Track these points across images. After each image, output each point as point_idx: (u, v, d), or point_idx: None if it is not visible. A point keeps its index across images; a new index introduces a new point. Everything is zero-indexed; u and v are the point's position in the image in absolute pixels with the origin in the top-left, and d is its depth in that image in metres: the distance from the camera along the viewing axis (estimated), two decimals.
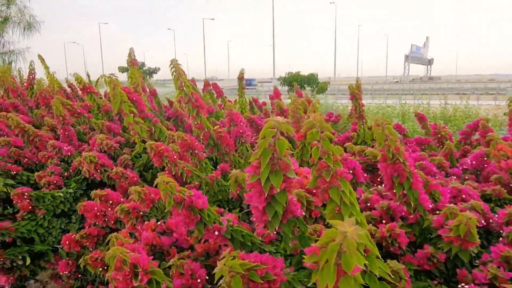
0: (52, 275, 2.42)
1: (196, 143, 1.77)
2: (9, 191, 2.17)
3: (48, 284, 2.64)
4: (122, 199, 1.67)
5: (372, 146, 3.02)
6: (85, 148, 2.53)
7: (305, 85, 14.81)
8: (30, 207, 2.04)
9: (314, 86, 15.58)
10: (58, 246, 2.07)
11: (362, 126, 3.07)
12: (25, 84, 4.76)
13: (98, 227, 1.89)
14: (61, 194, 2.10)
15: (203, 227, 0.97)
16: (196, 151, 1.76)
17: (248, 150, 2.03)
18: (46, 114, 3.59)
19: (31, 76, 4.64)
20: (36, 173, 2.19)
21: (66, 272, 2.01)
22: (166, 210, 1.02)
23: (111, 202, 1.63)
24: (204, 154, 1.83)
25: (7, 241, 1.93)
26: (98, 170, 1.94)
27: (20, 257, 1.99)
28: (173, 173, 1.70)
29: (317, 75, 15.33)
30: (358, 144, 2.95)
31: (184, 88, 1.85)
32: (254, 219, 0.94)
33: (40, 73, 5.27)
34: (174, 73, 1.86)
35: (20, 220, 2.04)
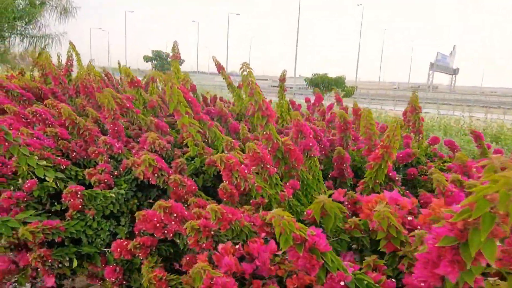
0: (89, 275, 2.34)
1: (268, 157, 1.64)
2: (58, 186, 2.08)
3: (81, 282, 2.57)
4: (185, 212, 1.55)
5: (425, 164, 2.85)
6: (134, 146, 2.42)
7: (332, 87, 14.56)
8: (80, 206, 1.94)
9: (341, 90, 15.32)
10: (106, 249, 1.98)
11: (419, 141, 2.89)
12: (62, 70, 4.73)
13: (152, 237, 1.79)
14: (113, 195, 2.00)
15: (324, 274, 0.84)
16: (268, 165, 1.63)
17: (316, 166, 1.89)
18: (87, 104, 3.52)
19: (69, 63, 4.60)
20: (87, 170, 2.10)
21: (113, 279, 1.92)
22: (281, 250, 0.88)
23: (175, 215, 1.51)
24: (275, 169, 1.69)
25: (56, 240, 1.84)
26: (156, 174, 1.83)
27: (68, 258, 1.90)
28: (242, 188, 1.57)
29: (344, 78, 15.04)
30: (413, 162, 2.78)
31: (255, 96, 1.71)
32: None
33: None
34: (246, 78, 1.72)
35: (69, 219, 1.95)
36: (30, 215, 1.90)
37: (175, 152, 2.30)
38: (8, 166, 2.21)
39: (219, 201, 1.78)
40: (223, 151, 2.40)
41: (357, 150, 2.48)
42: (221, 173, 1.62)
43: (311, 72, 16.44)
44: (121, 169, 2.21)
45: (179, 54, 3.74)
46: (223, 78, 4.82)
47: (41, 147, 2.26)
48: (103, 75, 5.27)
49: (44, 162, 2.06)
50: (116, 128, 2.44)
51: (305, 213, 1.47)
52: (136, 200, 2.13)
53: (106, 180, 2.07)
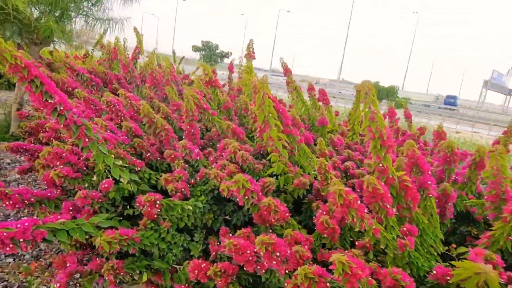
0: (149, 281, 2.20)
1: (389, 195, 1.39)
2: (132, 189, 1.93)
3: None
4: (288, 251, 1.33)
5: None
6: (211, 153, 2.23)
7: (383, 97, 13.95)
8: (155, 216, 1.78)
9: (391, 100, 14.65)
10: (178, 266, 1.80)
11: None
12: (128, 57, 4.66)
13: (234, 264, 1.59)
14: (190, 208, 1.82)
15: None
16: (387, 205, 1.38)
17: (433, 207, 1.61)
18: (154, 95, 3.40)
19: (137, 50, 4.53)
20: (164, 176, 1.93)
21: None
22: None
23: (278, 254, 1.29)
24: (394, 210, 1.44)
25: (130, 252, 1.68)
26: (246, 197, 1.62)
27: (138, 272, 1.74)
28: (357, 229, 1.33)
29: (397, 89, 14.36)
30: None
31: (376, 121, 1.45)
32: None
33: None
34: (369, 101, 1.47)
35: (142, 228, 1.79)
36: (104, 219, 1.76)
37: (255, 165, 2.09)
38: (81, 158, 2.10)
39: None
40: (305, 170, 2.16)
41: (459, 185, 2.16)
42: (306, 199, 1.38)
43: (354, 77, 15.87)
44: (197, 178, 2.03)
45: (254, 52, 3.54)
46: (289, 81, 4.59)
47: (116, 142, 2.13)
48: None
49: (121, 162, 1.92)
50: (192, 131, 2.26)
51: (433, 271, 1.20)
52: (212, 214, 1.94)
53: (182, 189, 1.90)
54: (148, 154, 2.16)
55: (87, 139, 1.79)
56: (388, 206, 1.37)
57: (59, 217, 1.61)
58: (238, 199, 1.67)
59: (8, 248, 1.39)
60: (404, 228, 1.44)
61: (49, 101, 1.69)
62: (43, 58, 6.38)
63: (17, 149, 2.85)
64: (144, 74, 3.97)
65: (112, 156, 1.89)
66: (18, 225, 1.42)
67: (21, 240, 1.42)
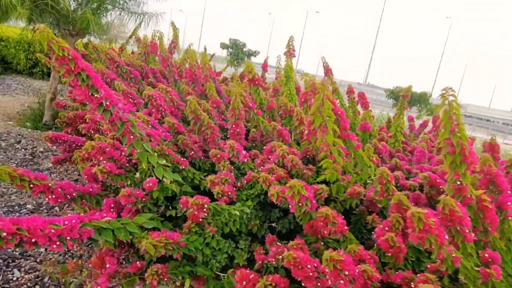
0: None
1: (467, 218, 1.24)
2: (175, 189, 1.84)
3: None
4: (356, 271, 1.20)
5: None
6: (257, 155, 2.12)
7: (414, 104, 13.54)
8: (200, 219, 1.68)
9: (422, 106, 14.21)
10: (222, 274, 1.70)
11: None
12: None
13: (285, 277, 1.47)
14: (238, 213, 1.71)
15: None
16: (465, 230, 1.23)
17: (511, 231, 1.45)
18: (192, 91, 3.32)
19: (173, 45, 4.47)
20: (210, 177, 1.83)
21: None
22: None
23: (346, 273, 1.16)
24: (473, 235, 1.29)
25: (174, 256, 1.59)
26: (300, 204, 1.50)
27: (180, 277, 1.65)
28: (435, 256, 1.19)
29: (429, 96, 13.89)
30: None
31: (458, 133, 1.30)
32: None
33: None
34: (448, 112, 1.31)
35: (186, 231, 1.69)
36: (147, 219, 1.68)
37: (304, 171, 1.97)
38: (123, 154, 2.03)
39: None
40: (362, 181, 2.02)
41: None
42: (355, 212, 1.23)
43: (380, 81, 15.42)
44: (244, 181, 1.92)
45: (294, 50, 3.41)
46: (330, 84, 4.44)
47: (159, 139, 2.05)
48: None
49: (164, 161, 1.83)
50: (237, 130, 2.16)
51: None
52: (257, 221, 1.83)
53: (229, 193, 1.79)
54: (192, 152, 2.07)
55: (132, 136, 1.71)
56: (467, 230, 1.23)
57: (104, 215, 1.54)
58: (290, 206, 1.55)
59: (54, 246, 1.32)
60: (486, 255, 1.29)
61: (95, 95, 1.62)
62: (78, 50, 6.43)
63: (56, 139, 2.82)
64: (181, 69, 3.91)
65: (156, 154, 1.81)
66: (66, 222, 1.35)
67: (68, 238, 1.34)
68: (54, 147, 5.62)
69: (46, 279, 2.82)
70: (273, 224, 1.84)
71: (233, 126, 2.15)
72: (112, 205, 1.81)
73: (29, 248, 1.32)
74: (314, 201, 1.56)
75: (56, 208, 3.88)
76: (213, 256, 1.70)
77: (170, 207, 1.86)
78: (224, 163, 1.94)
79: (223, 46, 25.04)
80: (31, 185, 1.66)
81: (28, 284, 2.75)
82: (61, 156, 3.38)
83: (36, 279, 2.83)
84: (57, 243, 1.33)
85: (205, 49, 9.04)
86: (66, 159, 3.39)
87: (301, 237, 1.89)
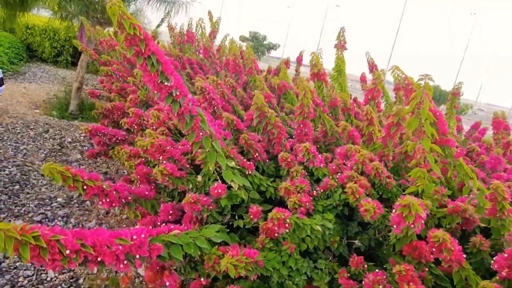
0: None
1: None
2: (244, 196, 1.60)
3: None
4: None
5: None
6: (328, 158, 1.87)
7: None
8: (276, 235, 1.44)
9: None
10: None
11: None
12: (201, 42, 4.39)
13: None
14: (320, 228, 1.46)
15: None
16: None
17: None
18: (236, 85, 3.08)
19: (212, 35, 4.24)
20: (284, 184, 1.58)
21: None
22: None
23: None
24: None
25: (251, 278, 1.35)
26: (412, 226, 1.24)
27: None
28: None
29: (462, 94, 13.33)
30: None
31: None
32: None
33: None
34: None
35: (260, 247, 1.46)
36: (215, 231, 1.44)
37: (388, 180, 1.71)
38: (179, 149, 1.80)
39: None
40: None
41: None
42: None
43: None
44: (319, 189, 1.67)
45: (345, 42, 3.13)
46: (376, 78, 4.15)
47: (220, 138, 1.81)
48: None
49: (233, 163, 1.60)
50: (305, 130, 1.90)
51: None
52: (338, 237, 1.58)
53: (306, 204, 1.54)
54: (257, 154, 1.82)
55: (201, 133, 1.48)
56: None
57: (172, 226, 1.31)
58: (393, 226, 1.29)
59: (121, 266, 1.10)
60: None
61: (165, 83, 1.39)
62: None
63: (96, 132, 2.63)
64: (220, 60, 3.67)
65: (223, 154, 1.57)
66: (133, 237, 1.13)
67: (137, 256, 1.12)
68: (82, 137, 5.49)
69: (81, 280, 2.65)
70: (356, 242, 1.59)
71: (301, 125, 1.89)
72: (171, 212, 1.59)
73: (92, 268, 1.10)
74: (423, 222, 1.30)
75: (88, 202, 3.71)
76: (289, 277, 1.46)
77: (236, 216, 1.63)
78: (298, 169, 1.69)
79: (243, 39, 24.71)
80: (85, 187, 1.45)
81: (63, 285, 2.58)
82: (95, 150, 3.20)
83: (71, 280, 2.65)
84: (125, 262, 1.11)
85: (231, 42, 8.70)
86: (101, 153, 3.20)
87: (381, 255, 1.64)
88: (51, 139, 5.10)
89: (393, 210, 1.25)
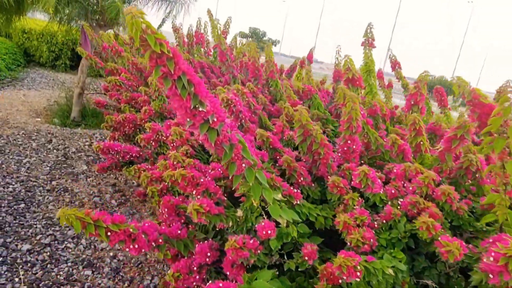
0: None
1: None
2: (294, 234, 1.36)
3: None
4: None
5: None
6: (381, 178, 1.62)
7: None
8: (340, 281, 1.20)
9: (456, 97, 13.34)
10: None
11: None
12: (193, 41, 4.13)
13: None
14: (392, 272, 1.22)
15: None
16: None
17: None
18: (257, 90, 2.83)
19: (223, 35, 3.97)
20: (343, 217, 1.34)
21: None
22: None
23: None
24: None
25: None
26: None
27: None
28: None
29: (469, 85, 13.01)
30: None
31: None
32: None
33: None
34: None
35: None
36: (269, 280, 1.20)
37: (460, 206, 1.46)
38: (210, 174, 1.55)
39: None
40: None
41: None
42: None
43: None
44: (380, 219, 1.43)
45: (374, 39, 2.87)
46: (398, 78, 3.91)
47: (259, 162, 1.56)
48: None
49: (279, 195, 1.35)
50: (353, 147, 1.66)
51: None
52: (408, 277, 1.34)
53: (369, 240, 1.30)
54: (301, 178, 1.58)
55: (243, 164, 1.23)
56: None
57: (220, 285, 1.06)
58: (490, 275, 1.05)
59: None
60: None
61: (200, 109, 1.14)
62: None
63: (108, 150, 2.38)
64: (236, 63, 3.41)
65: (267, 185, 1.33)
66: None
67: None
68: (86, 146, 5.24)
69: None
70: (430, 283, 1.34)
71: (348, 141, 1.64)
72: (209, 254, 1.35)
73: None
74: None
75: None
76: None
77: (285, 255, 1.38)
78: (353, 196, 1.44)
79: (243, 35, 24.34)
80: (109, 233, 1.21)
81: None
82: (106, 163, 2.96)
83: None
84: None
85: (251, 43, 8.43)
86: (112, 166, 2.97)
87: None
88: (54, 150, 4.85)
89: (485, 254, 1.00)
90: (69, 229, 3.24)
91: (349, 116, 1.62)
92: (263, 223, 1.27)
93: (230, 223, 1.37)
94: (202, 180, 1.35)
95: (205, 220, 1.32)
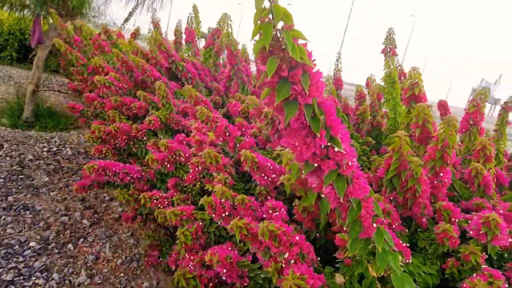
0: None
1: None
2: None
3: None
4: None
5: None
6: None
7: None
8: None
9: None
10: None
11: None
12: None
13: None
14: None
15: None
16: None
17: None
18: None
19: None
20: (474, 283, 1.01)
21: None
22: None
23: None
24: None
25: None
26: None
27: None
28: None
29: None
30: None
31: None
32: None
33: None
34: None
35: None
36: None
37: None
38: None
39: None
40: None
41: None
42: None
43: (353, 78, 14.94)
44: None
45: (395, 47, 2.61)
46: (480, 99, 3.67)
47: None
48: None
49: (400, 257, 0.99)
50: (445, 180, 1.34)
51: None
52: None
53: None
54: (396, 224, 1.23)
55: (374, 225, 0.86)
56: None
57: None
58: None
59: None
60: None
61: (335, 149, 0.76)
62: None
63: (104, 171, 1.89)
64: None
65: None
66: None
67: None
68: (45, 153, 4.53)
69: None
70: None
71: (441, 174, 1.33)
72: None
73: None
74: None
75: (70, 245, 2.89)
76: None
77: None
78: (475, 250, 1.12)
79: (201, 35, 23.58)
80: None
81: None
82: (86, 182, 2.43)
83: None
84: None
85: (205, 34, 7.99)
86: (93, 185, 2.45)
87: None
88: (7, 157, 4.10)
89: None
90: (35, 259, 2.65)
91: (444, 143, 1.30)
92: None
93: None
94: (297, 238, 0.96)
95: None
